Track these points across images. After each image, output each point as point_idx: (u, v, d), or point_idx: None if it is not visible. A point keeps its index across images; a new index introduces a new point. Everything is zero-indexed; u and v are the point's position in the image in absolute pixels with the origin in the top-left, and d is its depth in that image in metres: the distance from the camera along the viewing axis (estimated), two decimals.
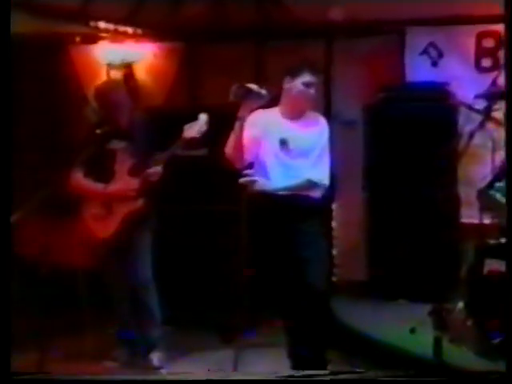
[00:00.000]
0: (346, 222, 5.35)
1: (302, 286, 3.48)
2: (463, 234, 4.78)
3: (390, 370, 3.40)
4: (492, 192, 3.83)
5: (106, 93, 4.05)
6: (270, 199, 3.55)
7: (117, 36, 5.65)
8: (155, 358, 4.03)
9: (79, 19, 5.21)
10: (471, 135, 3.68)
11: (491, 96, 3.92)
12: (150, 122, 4.13)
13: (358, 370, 2.93)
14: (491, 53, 5.11)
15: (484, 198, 3.96)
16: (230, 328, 3.77)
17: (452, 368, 3.32)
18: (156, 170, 3.86)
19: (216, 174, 4.63)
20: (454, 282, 4.05)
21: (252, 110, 3.53)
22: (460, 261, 4.47)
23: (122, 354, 4.07)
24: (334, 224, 5.31)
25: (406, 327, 3.95)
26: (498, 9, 3.12)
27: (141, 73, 5.87)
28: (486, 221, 4.11)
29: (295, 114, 3.65)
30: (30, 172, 5.09)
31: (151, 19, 5.33)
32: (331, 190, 4.41)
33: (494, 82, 4.73)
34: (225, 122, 3.54)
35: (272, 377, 2.56)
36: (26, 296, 4.15)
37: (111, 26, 5.45)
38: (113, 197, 3.94)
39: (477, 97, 4.17)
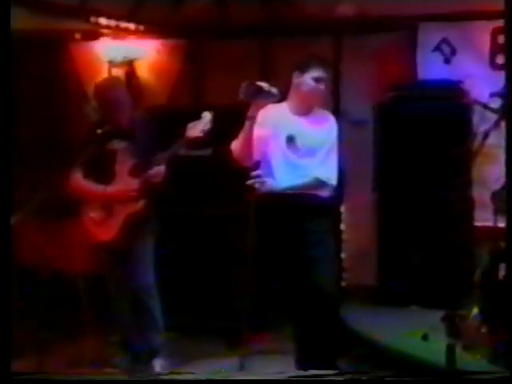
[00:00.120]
0: (355, 224, 5.34)
1: (311, 287, 3.49)
2: (477, 238, 4.77)
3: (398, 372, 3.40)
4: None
5: (105, 90, 4.04)
6: (277, 198, 3.55)
7: (118, 32, 5.67)
8: (158, 365, 4.03)
9: (80, 15, 5.22)
10: (486, 135, 3.68)
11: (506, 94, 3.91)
12: (152, 120, 4.12)
13: (365, 370, 2.93)
14: None
15: (499, 200, 3.96)
16: (236, 334, 3.78)
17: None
18: (159, 170, 3.87)
19: (221, 175, 4.64)
20: (467, 287, 4.04)
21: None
22: (474, 265, 4.46)
23: (124, 361, 4.08)
24: (342, 226, 5.31)
25: (418, 334, 3.94)
26: None
27: (143, 70, 5.89)
28: (501, 224, 4.10)
29: (304, 110, 3.65)
30: (29, 172, 5.11)
31: (154, 15, 5.34)
32: (340, 191, 4.42)
33: None
34: (230, 120, 3.55)
35: (278, 377, 2.57)
36: (23, 302, 4.16)
37: (113, 23, 5.46)
38: (113, 198, 3.94)
39: (492, 95, 4.18)
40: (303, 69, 3.60)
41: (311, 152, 3.58)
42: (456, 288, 4.00)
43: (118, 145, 3.99)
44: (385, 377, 2.52)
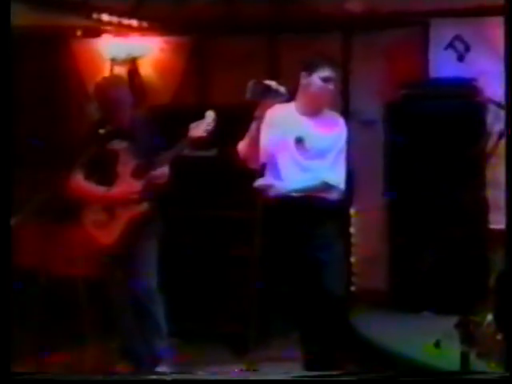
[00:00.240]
0: (365, 227, 5.33)
1: (319, 292, 3.49)
2: (492, 241, 4.76)
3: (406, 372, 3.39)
4: None
5: (106, 89, 4.04)
6: (285, 201, 3.55)
7: (121, 29, 5.67)
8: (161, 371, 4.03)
9: (82, 11, 5.23)
10: (501, 134, 3.67)
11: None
12: (155, 120, 4.13)
13: (372, 370, 2.93)
14: None
15: None
16: (242, 340, 3.77)
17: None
18: (163, 171, 3.87)
19: (227, 176, 4.64)
20: (482, 292, 4.03)
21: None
22: (488, 270, 4.45)
23: (126, 368, 4.09)
24: (352, 230, 5.30)
25: (431, 341, 3.93)
26: None
27: (146, 68, 5.89)
28: None
29: (312, 111, 3.65)
30: (29, 173, 5.12)
31: (157, 11, 5.35)
32: (349, 194, 4.42)
33: None
34: (236, 120, 3.55)
35: (283, 377, 2.58)
36: (22, 307, 4.16)
37: (115, 19, 5.47)
38: (115, 200, 3.94)
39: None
40: (311, 69, 3.60)
41: (320, 154, 3.59)
42: (470, 293, 3.99)
43: (119, 145, 3.98)
44: (385, 377, 2.52)
